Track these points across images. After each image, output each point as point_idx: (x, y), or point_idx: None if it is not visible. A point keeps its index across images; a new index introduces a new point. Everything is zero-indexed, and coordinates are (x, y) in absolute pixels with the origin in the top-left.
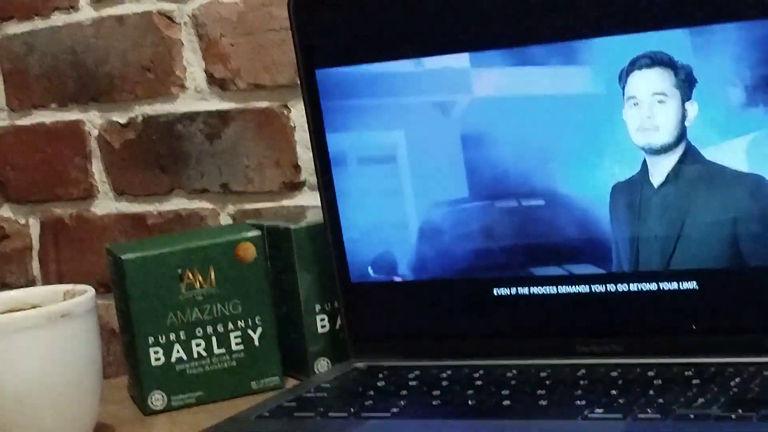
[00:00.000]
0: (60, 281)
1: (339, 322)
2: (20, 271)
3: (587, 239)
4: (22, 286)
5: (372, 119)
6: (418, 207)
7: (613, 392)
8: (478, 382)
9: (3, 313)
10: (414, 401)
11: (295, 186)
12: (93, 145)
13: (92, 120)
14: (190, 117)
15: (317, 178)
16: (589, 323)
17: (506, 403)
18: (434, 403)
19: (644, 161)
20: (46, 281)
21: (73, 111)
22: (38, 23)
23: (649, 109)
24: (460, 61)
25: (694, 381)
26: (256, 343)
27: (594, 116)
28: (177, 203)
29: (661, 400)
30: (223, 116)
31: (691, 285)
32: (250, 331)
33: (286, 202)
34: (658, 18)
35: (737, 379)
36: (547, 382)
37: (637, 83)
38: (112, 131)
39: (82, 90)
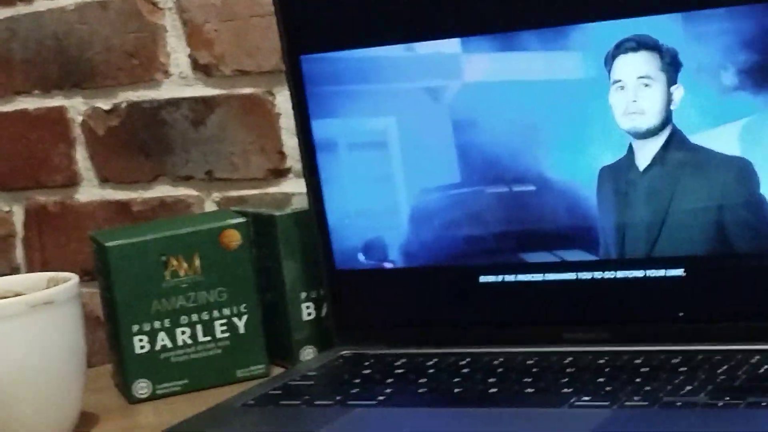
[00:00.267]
0: (44, 269)
1: (325, 309)
2: (4, 258)
3: (575, 224)
4: (5, 274)
5: (360, 105)
6: (407, 193)
7: (600, 380)
8: (465, 370)
9: None
10: (400, 389)
11: (280, 173)
12: (77, 131)
13: (76, 106)
14: (175, 103)
15: (302, 164)
16: (576, 311)
17: (493, 390)
18: (421, 390)
19: (630, 145)
20: (30, 269)
21: (57, 97)
22: (21, 9)
23: (635, 93)
24: (449, 46)
25: (682, 368)
26: (242, 330)
27: (583, 100)
28: (161, 190)
29: (648, 388)
30: (207, 102)
31: (678, 272)
32: (235, 319)
33: (272, 189)
34: (646, 2)
35: (724, 367)
36: (534, 370)
37: (623, 67)
38: (96, 118)
39: (65, 76)
